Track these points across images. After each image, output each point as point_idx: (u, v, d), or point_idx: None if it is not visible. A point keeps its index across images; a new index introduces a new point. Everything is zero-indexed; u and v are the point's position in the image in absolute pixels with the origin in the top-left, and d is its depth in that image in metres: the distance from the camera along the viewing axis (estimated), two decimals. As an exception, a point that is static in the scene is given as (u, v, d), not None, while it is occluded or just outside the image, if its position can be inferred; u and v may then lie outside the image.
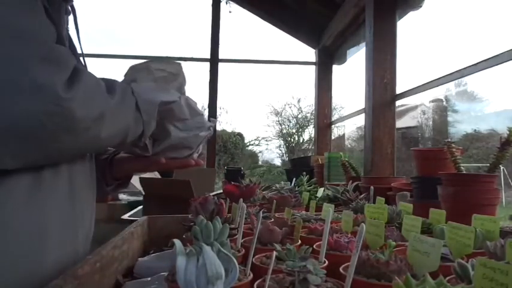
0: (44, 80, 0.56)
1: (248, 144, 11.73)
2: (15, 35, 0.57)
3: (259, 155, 11.96)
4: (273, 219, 1.34)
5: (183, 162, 0.92)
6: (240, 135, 11.12)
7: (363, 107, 3.07)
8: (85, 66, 0.85)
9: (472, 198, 1.33)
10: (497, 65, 1.86)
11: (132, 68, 0.87)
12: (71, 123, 0.60)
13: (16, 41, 0.57)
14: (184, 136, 0.86)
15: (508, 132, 1.27)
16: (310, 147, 10.32)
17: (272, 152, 11.73)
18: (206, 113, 4.63)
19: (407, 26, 3.06)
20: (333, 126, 4.66)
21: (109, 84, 0.71)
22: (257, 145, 11.79)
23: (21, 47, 0.57)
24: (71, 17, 0.82)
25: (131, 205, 2.46)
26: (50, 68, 0.58)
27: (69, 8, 0.81)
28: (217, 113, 4.73)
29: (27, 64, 0.56)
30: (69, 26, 0.83)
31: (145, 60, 0.88)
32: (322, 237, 0.83)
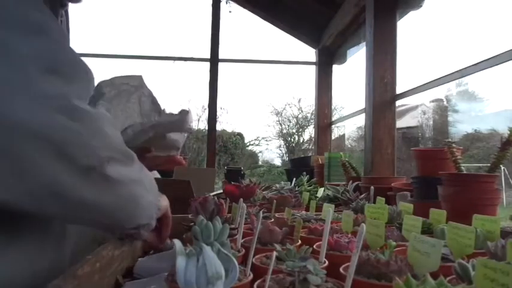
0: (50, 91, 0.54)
1: (248, 144, 11.73)
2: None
3: (259, 155, 11.96)
4: (273, 219, 1.34)
5: (171, 159, 0.97)
6: (240, 135, 11.12)
7: (363, 107, 3.07)
8: None
9: (472, 199, 1.32)
10: (497, 64, 1.86)
11: (99, 85, 0.98)
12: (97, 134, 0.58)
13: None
14: (176, 138, 0.96)
15: (508, 132, 1.27)
16: (310, 147, 10.32)
17: (272, 152, 11.73)
18: (206, 113, 4.63)
19: (407, 26, 3.06)
20: (333, 126, 4.66)
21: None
22: (257, 145, 11.80)
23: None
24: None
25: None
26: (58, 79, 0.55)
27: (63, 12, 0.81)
28: (217, 113, 4.72)
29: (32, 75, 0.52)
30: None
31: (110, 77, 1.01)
32: (322, 237, 0.83)
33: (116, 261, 0.88)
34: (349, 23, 3.65)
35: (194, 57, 4.84)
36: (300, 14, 4.47)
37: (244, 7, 4.63)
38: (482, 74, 1.98)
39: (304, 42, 4.67)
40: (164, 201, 0.84)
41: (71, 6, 0.83)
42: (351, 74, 4.49)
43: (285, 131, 11.71)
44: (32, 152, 0.51)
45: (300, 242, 1.03)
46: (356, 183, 2.09)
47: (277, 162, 11.66)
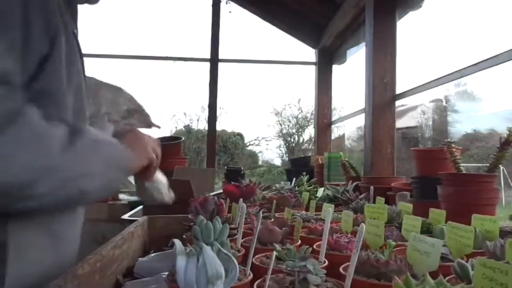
0: None
1: (248, 144, 11.73)
2: None
3: (259, 155, 11.95)
4: (273, 219, 1.34)
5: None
6: (240, 135, 11.11)
7: (363, 107, 3.07)
8: (83, 67, 0.85)
9: (471, 198, 1.33)
10: (496, 65, 1.86)
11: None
12: None
13: None
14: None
15: (507, 132, 1.27)
16: (310, 147, 10.32)
17: (272, 152, 11.73)
18: (206, 113, 4.62)
19: (407, 26, 3.06)
20: (333, 126, 4.66)
21: (73, 135, 0.63)
22: (257, 145, 11.79)
23: None
24: None
25: (131, 205, 2.46)
26: None
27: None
28: (217, 113, 4.72)
29: None
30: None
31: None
32: (322, 237, 0.83)
33: (116, 261, 0.88)
34: (348, 23, 3.65)
35: (194, 57, 4.84)
36: (300, 14, 4.47)
37: (244, 7, 4.63)
38: (481, 74, 1.99)
39: (304, 42, 4.67)
40: (140, 159, 0.81)
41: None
42: (351, 74, 4.48)
43: (284, 131, 11.70)
44: None
45: (299, 242, 1.04)
46: (356, 183, 2.09)
47: (277, 162, 11.66)
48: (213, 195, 1.45)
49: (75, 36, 0.77)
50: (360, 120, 3.30)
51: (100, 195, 0.72)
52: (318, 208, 1.57)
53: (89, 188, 0.66)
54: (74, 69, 0.73)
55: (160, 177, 1.06)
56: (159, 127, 1.25)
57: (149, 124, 1.24)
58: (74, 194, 0.64)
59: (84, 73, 0.81)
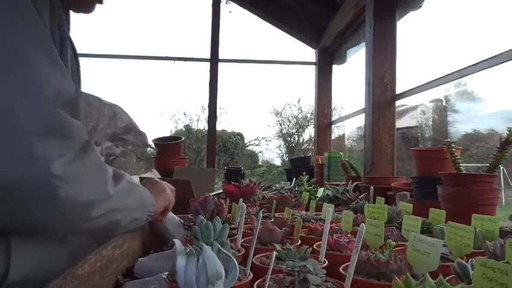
0: (42, 152, 0.57)
1: (248, 144, 11.73)
2: (19, 91, 0.57)
3: (259, 155, 11.96)
4: (273, 219, 1.34)
5: None
6: (240, 135, 11.11)
7: (363, 107, 3.07)
8: (78, 67, 0.86)
9: (471, 198, 1.33)
10: (496, 65, 1.86)
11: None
12: (52, 201, 0.59)
13: (21, 102, 0.56)
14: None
15: (507, 132, 1.27)
16: (310, 147, 10.32)
17: (272, 152, 11.73)
18: (206, 113, 4.62)
19: (407, 26, 3.06)
20: (333, 126, 4.66)
21: (116, 174, 0.73)
22: (257, 145, 11.79)
23: (25, 116, 0.56)
24: None
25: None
26: (52, 141, 0.58)
27: None
28: (217, 113, 4.72)
29: (27, 137, 0.56)
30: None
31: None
32: (322, 237, 0.83)
33: (116, 261, 0.88)
34: (348, 23, 3.65)
35: (194, 57, 4.84)
36: (300, 14, 4.47)
37: (244, 7, 4.63)
38: (481, 74, 1.99)
39: (304, 42, 4.68)
40: (160, 202, 0.96)
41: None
42: (351, 74, 4.48)
43: (284, 131, 11.70)
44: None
45: (299, 242, 1.04)
46: (356, 183, 2.09)
47: (277, 162, 11.66)
48: (213, 195, 1.45)
49: (72, 43, 0.82)
50: (360, 120, 3.31)
51: (126, 229, 0.81)
52: (318, 208, 1.57)
53: (122, 221, 0.75)
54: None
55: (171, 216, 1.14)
56: (154, 148, 1.42)
57: (145, 143, 1.31)
58: (111, 223, 0.72)
59: (79, 80, 0.86)
